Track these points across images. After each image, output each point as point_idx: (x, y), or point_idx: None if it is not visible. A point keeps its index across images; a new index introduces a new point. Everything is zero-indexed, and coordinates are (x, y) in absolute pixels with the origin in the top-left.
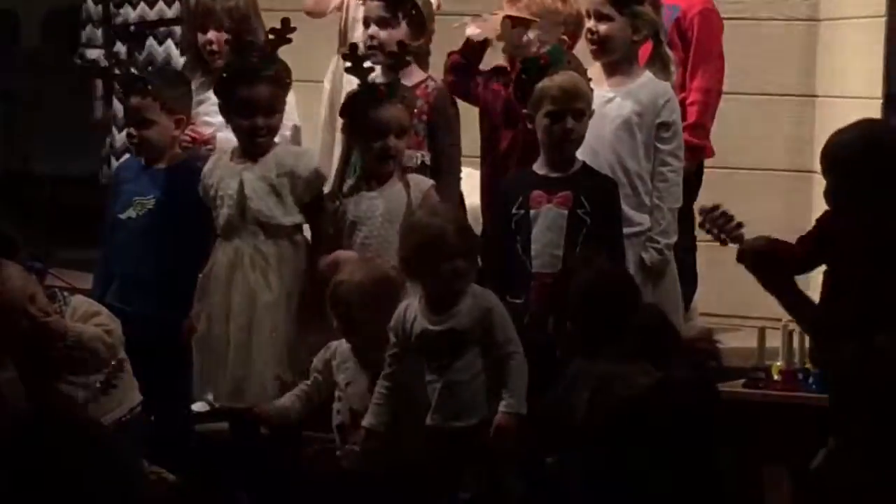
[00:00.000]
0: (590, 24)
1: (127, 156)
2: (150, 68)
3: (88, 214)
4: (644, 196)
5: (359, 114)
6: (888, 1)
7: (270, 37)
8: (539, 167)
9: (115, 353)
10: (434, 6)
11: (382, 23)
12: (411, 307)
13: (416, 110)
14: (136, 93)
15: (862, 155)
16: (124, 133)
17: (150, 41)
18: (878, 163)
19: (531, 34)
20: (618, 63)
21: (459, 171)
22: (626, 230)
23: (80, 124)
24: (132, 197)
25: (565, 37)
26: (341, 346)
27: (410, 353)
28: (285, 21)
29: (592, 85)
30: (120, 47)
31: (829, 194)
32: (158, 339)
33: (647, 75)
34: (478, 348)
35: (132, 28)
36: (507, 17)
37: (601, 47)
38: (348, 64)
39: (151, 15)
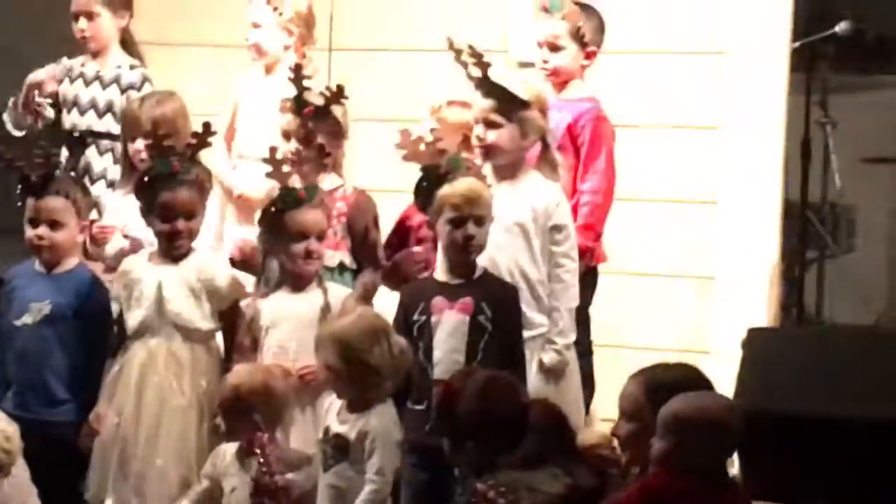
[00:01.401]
0: (478, 131)
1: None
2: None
3: None
4: (543, 298)
5: (279, 217)
6: (786, 113)
7: (191, 141)
8: (440, 274)
9: (13, 459)
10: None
11: (302, 140)
12: (334, 404)
13: (335, 213)
14: (54, 193)
15: (695, 423)
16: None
17: (91, 150)
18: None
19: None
20: (507, 167)
21: (380, 270)
22: (527, 333)
23: None
24: (28, 303)
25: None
26: (228, 449)
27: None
28: (206, 125)
29: None
30: (62, 152)
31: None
32: (56, 444)
33: (537, 177)
34: (355, 462)
35: (76, 134)
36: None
37: (490, 153)
38: (269, 168)
39: (98, 126)
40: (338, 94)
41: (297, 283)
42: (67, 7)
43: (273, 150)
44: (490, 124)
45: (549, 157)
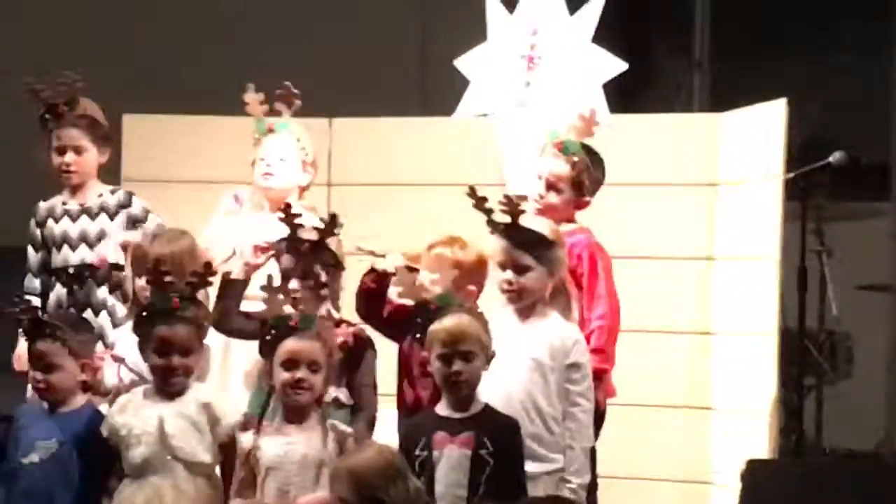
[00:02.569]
0: (507, 275)
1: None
2: (63, 310)
3: None
4: (557, 436)
5: (272, 346)
6: (781, 243)
7: (192, 279)
8: (441, 409)
9: None
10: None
11: (303, 276)
12: None
13: (331, 348)
14: (44, 337)
15: None
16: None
17: (89, 283)
18: None
19: (421, 278)
20: (530, 306)
21: (375, 409)
22: (540, 468)
23: None
24: (35, 441)
25: (472, 287)
26: None
27: None
28: (207, 264)
29: (503, 325)
30: (60, 290)
31: None
32: None
33: (555, 316)
34: None
35: (71, 269)
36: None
37: (520, 296)
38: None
39: (91, 257)
40: (331, 225)
41: (293, 415)
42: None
43: (269, 277)
44: (520, 268)
45: (565, 291)
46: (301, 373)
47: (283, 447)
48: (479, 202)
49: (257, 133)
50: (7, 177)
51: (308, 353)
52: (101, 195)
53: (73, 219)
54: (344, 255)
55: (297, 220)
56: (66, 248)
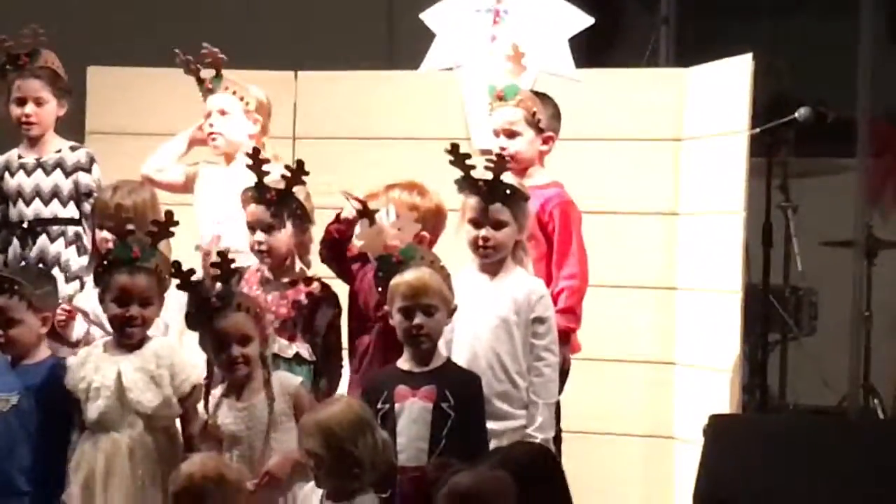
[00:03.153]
0: (482, 232)
1: None
2: (23, 264)
3: None
4: (522, 392)
5: (203, 326)
6: (747, 197)
7: (153, 229)
8: (403, 363)
9: None
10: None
11: (268, 228)
12: (317, 491)
13: (297, 303)
14: (2, 292)
15: None
16: None
17: (43, 238)
18: None
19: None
20: (499, 262)
21: (338, 365)
22: (504, 425)
23: None
24: None
25: (424, 232)
26: None
27: None
28: (168, 214)
29: (469, 281)
30: (15, 244)
31: None
32: None
33: (520, 271)
34: None
35: (25, 224)
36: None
37: (496, 252)
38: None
39: (45, 213)
40: (299, 172)
41: (239, 391)
42: None
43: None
44: (497, 224)
45: (523, 248)
46: (234, 350)
47: (235, 417)
48: (460, 159)
49: (201, 94)
50: None
51: (237, 328)
52: (59, 150)
53: (28, 173)
54: (313, 208)
55: (264, 167)
56: (20, 202)
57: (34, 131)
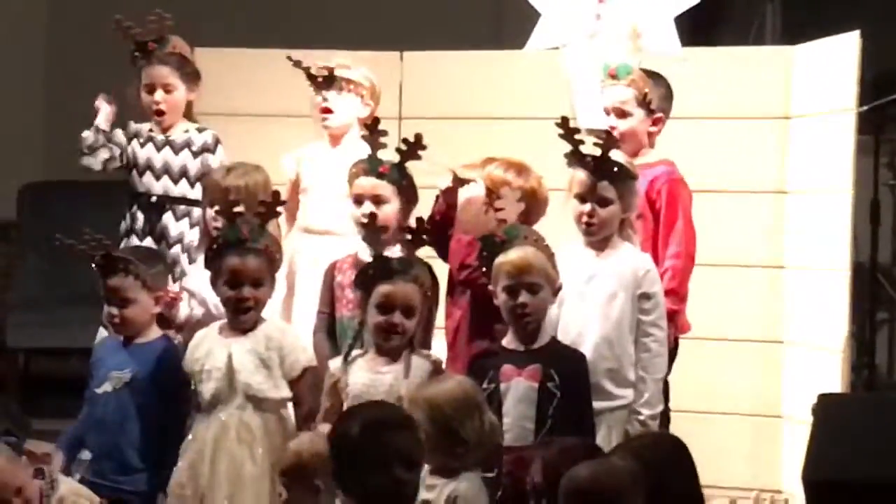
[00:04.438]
0: (587, 207)
1: (103, 333)
2: (142, 238)
3: (61, 386)
4: (629, 369)
5: (367, 287)
6: (854, 175)
7: (261, 209)
8: (508, 342)
9: None
10: None
11: (377, 200)
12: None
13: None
14: (117, 272)
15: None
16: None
17: (168, 215)
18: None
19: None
20: (605, 239)
21: (429, 347)
22: (608, 404)
23: (51, 297)
24: (109, 371)
25: (528, 213)
26: None
27: None
28: (276, 194)
29: (575, 258)
30: (138, 215)
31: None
32: None
33: (627, 247)
34: None
35: (153, 199)
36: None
37: (600, 229)
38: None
39: (174, 191)
40: (416, 146)
41: (387, 356)
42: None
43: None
44: (603, 201)
45: (629, 223)
46: (395, 317)
47: (371, 377)
48: (569, 133)
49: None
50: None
51: (404, 296)
52: (186, 131)
53: (158, 148)
54: (416, 186)
55: (381, 140)
56: (148, 174)
57: (165, 118)
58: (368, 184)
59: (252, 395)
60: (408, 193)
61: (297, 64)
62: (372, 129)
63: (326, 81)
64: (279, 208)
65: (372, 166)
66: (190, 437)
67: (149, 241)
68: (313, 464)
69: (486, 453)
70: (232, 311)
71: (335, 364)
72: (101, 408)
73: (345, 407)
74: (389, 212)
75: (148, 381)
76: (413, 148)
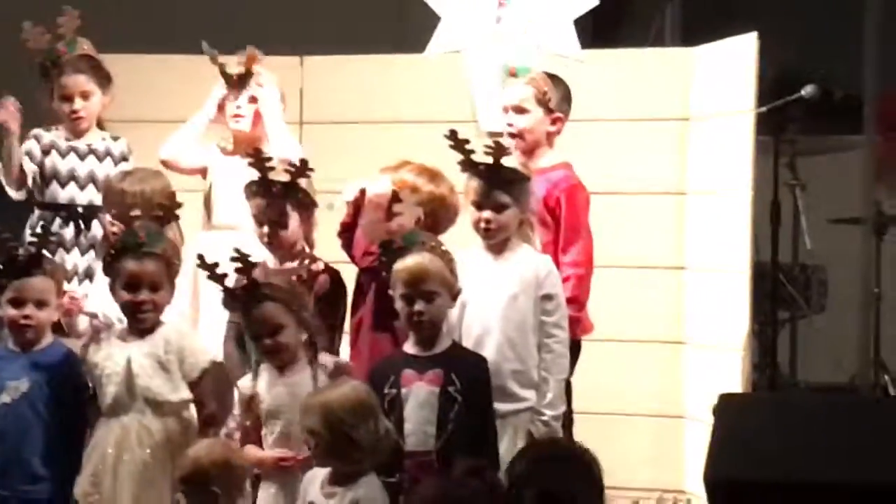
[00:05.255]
0: (484, 214)
1: None
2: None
3: None
4: (532, 370)
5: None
6: (754, 175)
7: (158, 213)
8: (409, 347)
9: None
10: None
11: (274, 223)
12: (319, 474)
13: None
14: (41, 273)
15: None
16: None
17: (96, 225)
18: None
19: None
20: (503, 241)
21: (333, 336)
22: (513, 406)
23: None
24: (5, 382)
25: (429, 217)
26: None
27: None
28: (172, 196)
29: (475, 261)
30: (60, 226)
31: None
32: None
33: (526, 248)
34: None
35: (80, 209)
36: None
37: (497, 233)
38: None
39: (98, 201)
40: (302, 168)
41: (282, 368)
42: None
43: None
44: (498, 207)
45: (528, 223)
46: (267, 341)
47: (278, 391)
48: (459, 144)
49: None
50: None
51: (271, 317)
52: (104, 139)
53: (81, 157)
54: (315, 191)
55: (268, 164)
56: (72, 185)
57: (83, 125)
58: (263, 206)
59: (151, 398)
60: (304, 205)
61: (214, 60)
62: (256, 157)
63: (241, 80)
64: (177, 212)
65: (263, 189)
66: (91, 442)
67: (76, 253)
68: (211, 470)
69: (383, 458)
70: (130, 314)
71: (245, 383)
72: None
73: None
74: (290, 230)
75: (47, 389)
76: (301, 169)
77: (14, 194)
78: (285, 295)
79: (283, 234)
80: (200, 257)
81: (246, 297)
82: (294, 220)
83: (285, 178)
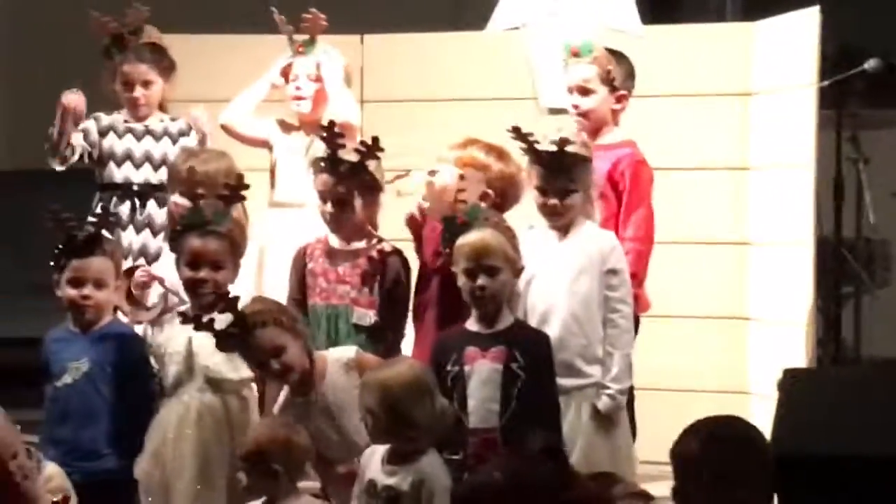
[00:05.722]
0: (550, 200)
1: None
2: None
3: (29, 375)
4: (597, 346)
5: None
6: (817, 152)
7: (223, 192)
8: (471, 324)
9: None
10: None
11: (340, 202)
12: (378, 451)
13: (369, 270)
14: (101, 253)
15: (702, 457)
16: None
17: (152, 203)
18: (716, 466)
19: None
20: (569, 221)
21: (405, 320)
22: (578, 382)
23: (17, 286)
24: (66, 363)
25: (490, 191)
26: None
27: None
28: (239, 177)
29: (540, 240)
30: (121, 205)
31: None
32: (101, 496)
33: (590, 224)
34: None
35: (135, 187)
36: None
37: (564, 216)
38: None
39: (154, 180)
40: (373, 148)
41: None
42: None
43: None
44: (563, 193)
45: (590, 200)
46: (273, 364)
47: (295, 413)
48: (522, 137)
49: (291, 53)
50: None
51: (271, 341)
52: (162, 121)
53: (138, 138)
54: (384, 173)
55: (339, 141)
56: (128, 164)
57: (144, 112)
58: (330, 183)
59: (211, 377)
60: (371, 188)
61: (281, 24)
62: (329, 131)
63: (306, 46)
64: (243, 192)
65: (331, 167)
66: (154, 423)
67: (131, 231)
68: (271, 449)
69: (441, 437)
70: (192, 292)
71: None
72: (62, 401)
73: None
74: (356, 211)
75: (109, 369)
76: (371, 149)
77: (57, 166)
78: (275, 315)
79: (346, 214)
80: (182, 313)
81: (239, 331)
82: (359, 201)
83: (354, 157)
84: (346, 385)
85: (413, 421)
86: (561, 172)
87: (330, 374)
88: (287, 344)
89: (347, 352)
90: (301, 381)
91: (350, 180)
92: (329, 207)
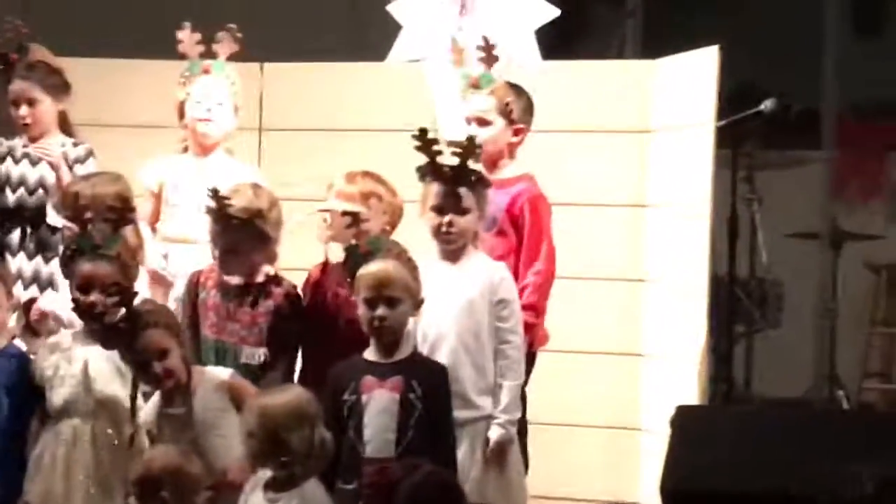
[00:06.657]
0: (446, 218)
1: None
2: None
3: None
4: (490, 377)
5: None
6: (713, 191)
7: (109, 216)
8: (369, 354)
9: None
10: None
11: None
12: (257, 485)
13: (262, 310)
14: None
15: None
16: None
17: (44, 229)
18: None
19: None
20: (461, 248)
21: (293, 369)
22: (470, 414)
23: None
24: None
25: (388, 226)
26: None
27: None
28: (125, 200)
29: (431, 270)
30: (13, 231)
31: None
32: None
33: (480, 255)
34: None
35: (26, 214)
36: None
37: (458, 238)
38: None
39: (30, 202)
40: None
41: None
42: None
43: None
44: (461, 210)
45: (478, 237)
46: (155, 367)
47: (165, 423)
48: (427, 144)
49: (188, 72)
50: None
51: (156, 344)
52: (63, 146)
53: (33, 164)
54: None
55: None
56: (21, 190)
57: (32, 131)
58: (218, 232)
59: (106, 402)
60: (262, 238)
61: (191, 40)
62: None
63: (214, 67)
64: (129, 215)
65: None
66: (39, 445)
67: (21, 257)
68: (162, 477)
69: (318, 467)
70: (84, 316)
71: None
72: None
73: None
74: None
75: (2, 391)
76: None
77: None
78: (165, 318)
79: (239, 259)
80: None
81: (129, 327)
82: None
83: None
84: (217, 405)
85: (289, 447)
86: (461, 186)
87: (203, 390)
88: (172, 349)
89: (223, 373)
90: (176, 390)
91: (240, 232)
92: (218, 253)
